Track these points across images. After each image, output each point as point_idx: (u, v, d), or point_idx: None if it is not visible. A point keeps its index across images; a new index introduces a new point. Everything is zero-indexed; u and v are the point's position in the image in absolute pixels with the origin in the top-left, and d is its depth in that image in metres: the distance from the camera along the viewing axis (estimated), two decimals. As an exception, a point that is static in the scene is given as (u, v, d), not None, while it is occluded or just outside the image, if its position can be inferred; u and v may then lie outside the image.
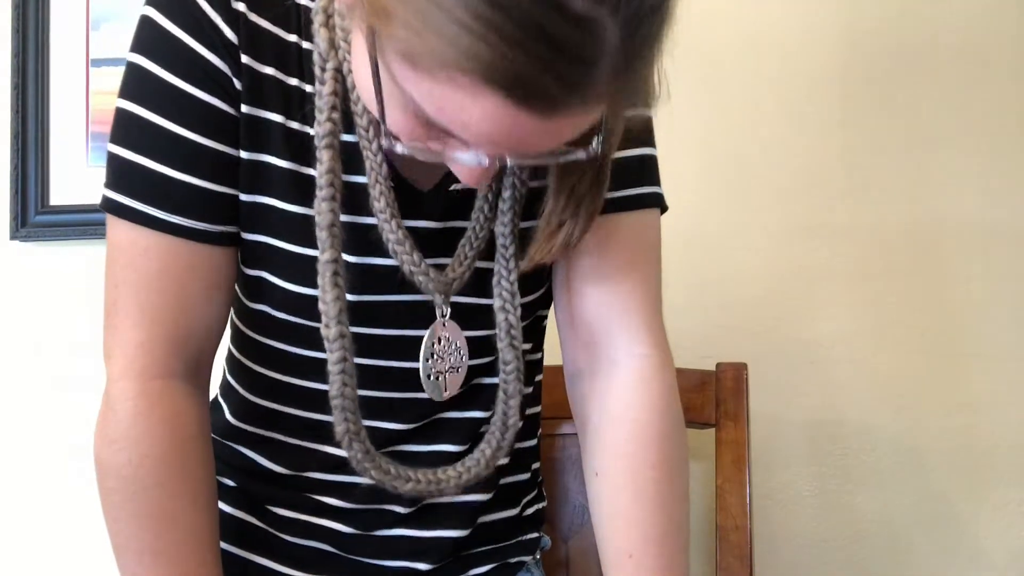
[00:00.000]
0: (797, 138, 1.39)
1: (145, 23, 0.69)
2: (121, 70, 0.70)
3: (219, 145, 0.69)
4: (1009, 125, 1.37)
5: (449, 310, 0.74)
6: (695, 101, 1.39)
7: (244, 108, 0.69)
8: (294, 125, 0.70)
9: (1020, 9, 1.38)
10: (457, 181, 0.71)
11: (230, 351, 0.86)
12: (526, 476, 0.91)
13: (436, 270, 0.72)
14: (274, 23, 0.69)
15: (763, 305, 1.38)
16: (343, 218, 0.69)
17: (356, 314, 0.72)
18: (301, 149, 0.70)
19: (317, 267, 0.67)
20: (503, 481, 0.88)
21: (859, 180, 1.38)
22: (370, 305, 0.74)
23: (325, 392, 0.69)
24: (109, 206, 0.69)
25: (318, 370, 0.72)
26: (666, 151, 1.38)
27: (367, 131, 0.69)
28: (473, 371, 0.79)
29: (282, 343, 0.78)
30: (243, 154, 0.70)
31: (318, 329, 0.68)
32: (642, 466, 0.78)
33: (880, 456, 1.36)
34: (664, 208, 0.82)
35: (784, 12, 1.39)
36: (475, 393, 0.80)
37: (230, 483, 0.85)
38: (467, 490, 0.84)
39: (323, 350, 0.68)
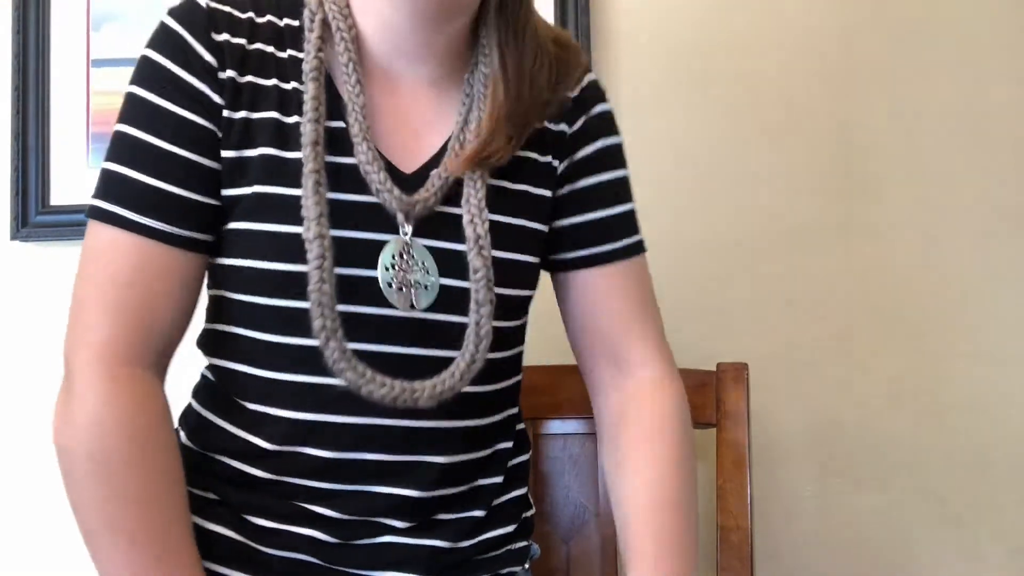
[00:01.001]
0: (796, 138, 1.39)
1: (141, 60, 0.79)
2: (121, 71, 0.85)
3: (198, 157, 0.77)
4: (1009, 124, 1.37)
5: (411, 228, 0.79)
6: (694, 102, 1.40)
7: (225, 113, 0.77)
8: (274, 115, 0.78)
9: (1021, 8, 1.38)
10: (436, 165, 0.81)
11: (212, 363, 0.86)
12: (523, 491, 0.92)
13: (402, 191, 0.78)
14: (251, 41, 0.80)
15: (763, 305, 1.38)
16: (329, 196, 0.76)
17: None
18: (280, 136, 0.78)
19: (301, 179, 0.75)
20: (502, 499, 0.89)
21: (859, 180, 1.38)
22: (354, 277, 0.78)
23: (311, 385, 0.76)
24: (95, 212, 0.77)
25: (304, 359, 0.76)
26: (666, 152, 1.39)
27: (347, 67, 0.79)
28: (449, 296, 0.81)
29: (271, 334, 0.78)
30: (227, 154, 0.77)
31: (305, 312, 0.73)
32: (663, 466, 0.84)
33: (880, 456, 1.36)
34: (644, 250, 0.93)
35: (783, 12, 1.40)
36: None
37: (210, 496, 0.83)
38: (464, 506, 0.85)
39: (310, 336, 0.73)
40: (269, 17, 0.81)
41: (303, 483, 0.80)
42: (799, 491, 1.36)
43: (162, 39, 0.78)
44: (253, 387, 0.81)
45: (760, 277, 1.38)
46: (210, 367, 0.86)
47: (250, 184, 0.77)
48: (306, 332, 0.74)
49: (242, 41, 0.79)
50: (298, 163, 0.76)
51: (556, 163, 0.88)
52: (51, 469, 1.41)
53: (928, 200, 1.37)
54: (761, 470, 1.31)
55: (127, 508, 0.72)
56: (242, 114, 0.78)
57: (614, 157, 0.92)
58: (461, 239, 0.80)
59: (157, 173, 0.76)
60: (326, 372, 0.75)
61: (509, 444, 0.91)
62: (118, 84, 0.84)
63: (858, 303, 1.37)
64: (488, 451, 0.88)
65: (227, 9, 0.80)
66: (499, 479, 0.89)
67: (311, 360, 0.76)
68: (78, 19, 1.40)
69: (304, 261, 0.74)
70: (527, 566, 0.92)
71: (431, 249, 0.79)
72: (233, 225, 0.78)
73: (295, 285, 0.74)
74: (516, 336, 0.89)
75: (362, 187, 0.78)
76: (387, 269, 0.77)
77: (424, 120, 0.83)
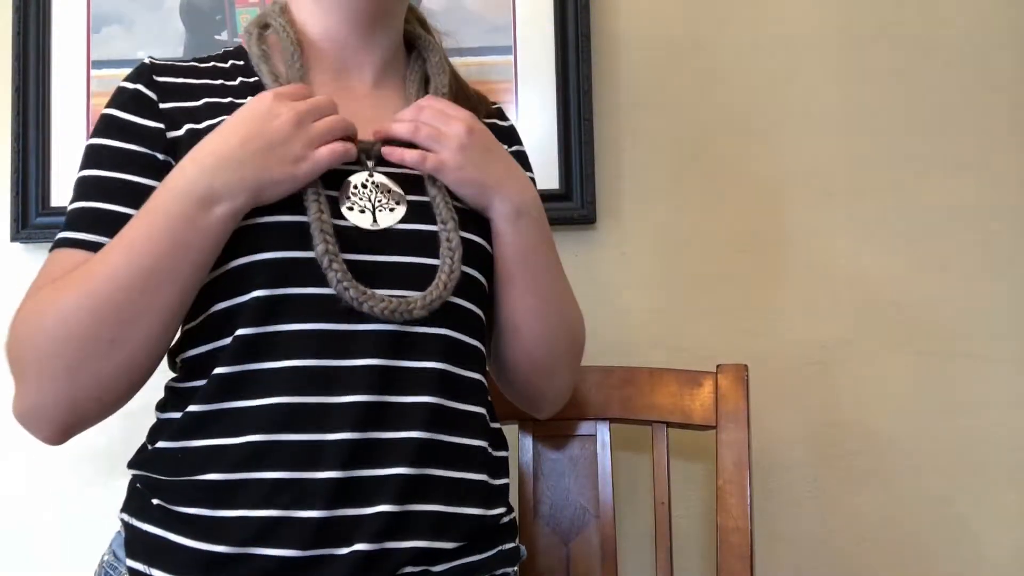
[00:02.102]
0: (797, 138, 1.39)
1: (100, 117, 0.91)
2: (121, 72, 0.91)
3: (139, 178, 0.87)
4: (1009, 123, 1.37)
5: (373, 163, 0.89)
6: (695, 101, 1.40)
7: (169, 135, 0.88)
8: (207, 124, 0.89)
9: (1021, 7, 1.38)
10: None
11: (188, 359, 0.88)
12: (505, 481, 0.94)
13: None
14: (197, 78, 0.93)
15: (763, 306, 1.38)
16: None
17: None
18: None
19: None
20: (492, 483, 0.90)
21: (858, 180, 1.38)
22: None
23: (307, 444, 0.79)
24: (60, 242, 0.88)
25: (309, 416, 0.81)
26: (667, 152, 1.39)
27: (292, 56, 0.92)
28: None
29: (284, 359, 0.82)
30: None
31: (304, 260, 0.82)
32: None
33: (880, 457, 1.36)
34: None
35: (784, 12, 1.40)
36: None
37: (184, 509, 0.83)
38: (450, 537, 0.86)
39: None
40: (213, 63, 0.95)
41: (281, 475, 0.81)
42: (799, 491, 1.36)
43: (113, 96, 0.91)
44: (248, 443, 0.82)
45: (760, 277, 1.38)
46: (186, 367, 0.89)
47: None
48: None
49: (185, 80, 0.91)
50: None
51: None
52: (51, 469, 1.41)
53: (927, 200, 1.37)
54: (761, 470, 1.31)
55: (93, 265, 0.82)
56: (188, 127, 0.88)
57: None
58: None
59: (102, 197, 0.86)
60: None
61: (484, 442, 0.91)
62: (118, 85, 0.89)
63: (858, 303, 1.37)
64: (464, 438, 0.88)
65: (168, 62, 0.94)
66: (481, 472, 0.90)
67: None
68: (78, 21, 1.40)
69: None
70: (516, 569, 0.94)
71: (394, 176, 0.89)
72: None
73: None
74: (485, 260, 0.93)
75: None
76: (348, 197, 0.86)
77: (372, 111, 0.94)
